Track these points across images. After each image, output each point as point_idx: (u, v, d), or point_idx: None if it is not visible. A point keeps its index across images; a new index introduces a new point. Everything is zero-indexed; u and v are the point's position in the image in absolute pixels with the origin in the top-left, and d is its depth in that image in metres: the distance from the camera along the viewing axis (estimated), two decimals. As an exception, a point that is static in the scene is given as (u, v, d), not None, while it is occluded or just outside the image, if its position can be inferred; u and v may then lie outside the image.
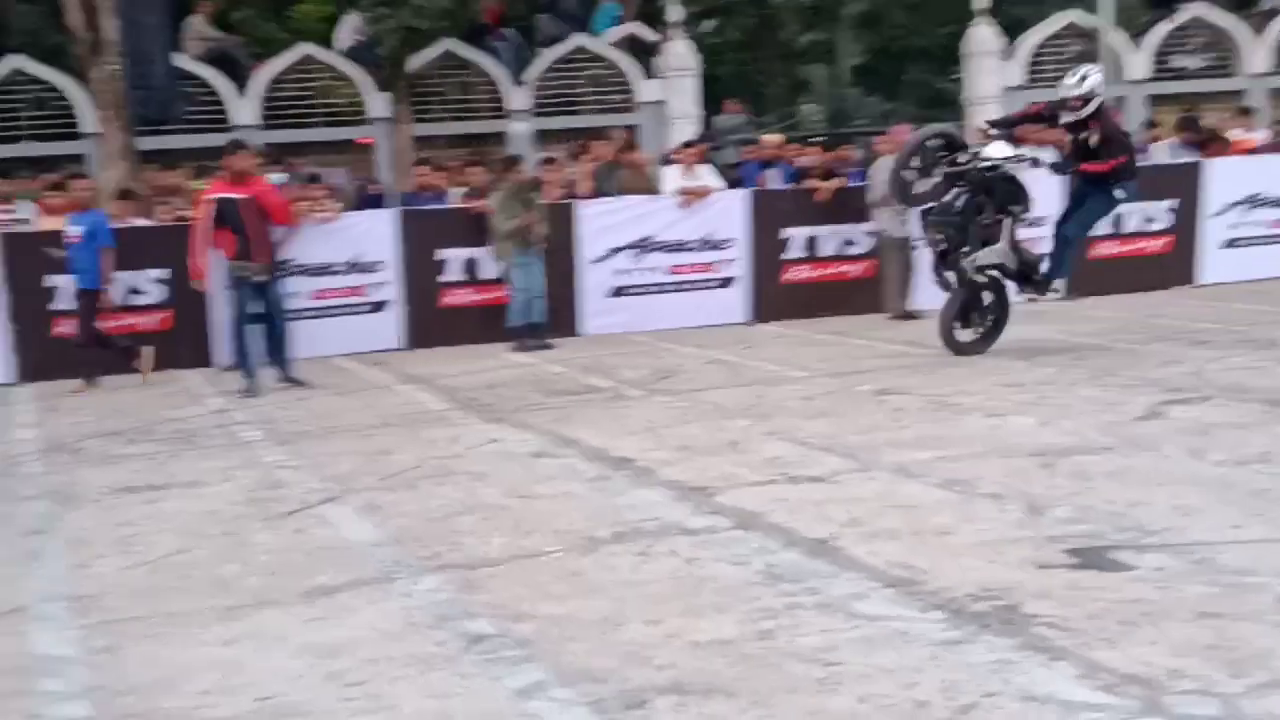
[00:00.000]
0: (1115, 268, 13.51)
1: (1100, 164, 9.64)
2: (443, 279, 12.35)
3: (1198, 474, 6.08)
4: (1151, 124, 15.94)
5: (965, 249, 9.67)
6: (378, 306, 12.26)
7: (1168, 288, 13.49)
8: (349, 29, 17.56)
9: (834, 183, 13.12)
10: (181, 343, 11.69)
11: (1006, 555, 4.99)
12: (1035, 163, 9.85)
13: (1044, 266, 10.11)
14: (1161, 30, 18.77)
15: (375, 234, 12.24)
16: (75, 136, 15.92)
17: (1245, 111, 16.32)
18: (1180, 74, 18.83)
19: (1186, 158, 14.36)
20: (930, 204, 9.92)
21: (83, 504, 6.79)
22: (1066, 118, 9.74)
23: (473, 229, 12.20)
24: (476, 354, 11.52)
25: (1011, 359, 9.81)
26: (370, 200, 13.49)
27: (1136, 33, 19.27)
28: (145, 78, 14.51)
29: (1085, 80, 9.64)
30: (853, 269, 13.20)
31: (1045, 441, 6.94)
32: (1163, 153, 14.52)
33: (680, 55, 17.80)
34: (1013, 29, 20.14)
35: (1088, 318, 11.89)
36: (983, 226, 9.71)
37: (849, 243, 13.17)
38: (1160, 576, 4.63)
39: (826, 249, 13.14)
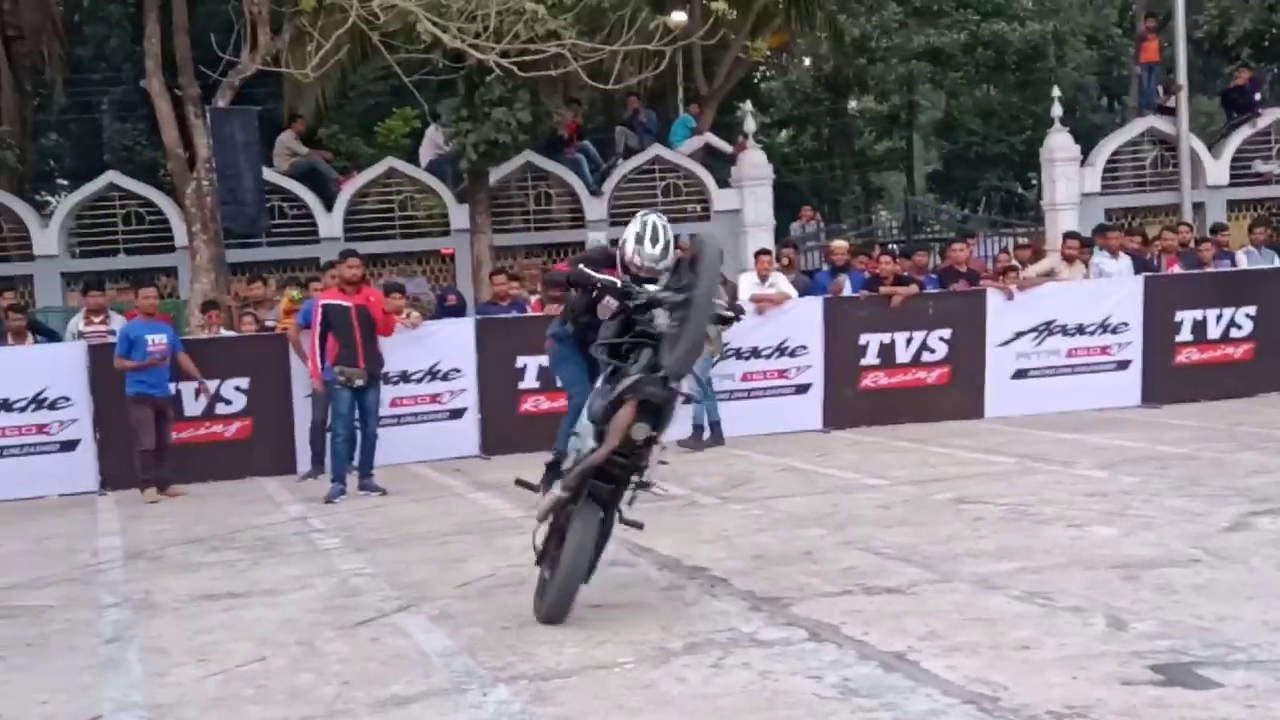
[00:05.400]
0: (1199, 375, 13.29)
1: None
2: (521, 386, 12.45)
3: (1288, 588, 5.90)
4: (1216, 229, 15.52)
5: None
6: (456, 414, 12.39)
7: (1253, 395, 13.21)
8: (431, 143, 18.03)
9: (909, 289, 13.09)
10: (262, 449, 11.89)
11: (1090, 671, 4.86)
12: None
13: None
14: (1241, 135, 18.66)
15: (454, 342, 12.41)
16: (168, 249, 16.42)
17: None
18: (1261, 179, 18.66)
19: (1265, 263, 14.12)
20: None
21: (162, 612, 6.87)
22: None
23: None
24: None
25: (1092, 468, 9.64)
26: (449, 310, 13.71)
27: (1215, 138, 19.20)
28: (235, 193, 14.97)
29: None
30: (929, 375, 13.11)
31: (1129, 553, 6.79)
32: (1242, 258, 14.29)
33: (755, 164, 18.02)
34: (1090, 135, 20.18)
35: (1171, 425, 11.67)
36: None
37: (926, 348, 13.09)
38: (1248, 695, 4.48)
39: (903, 355, 13.07)
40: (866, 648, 5.33)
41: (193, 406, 11.70)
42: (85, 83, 24.26)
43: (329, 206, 16.98)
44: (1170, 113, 18.33)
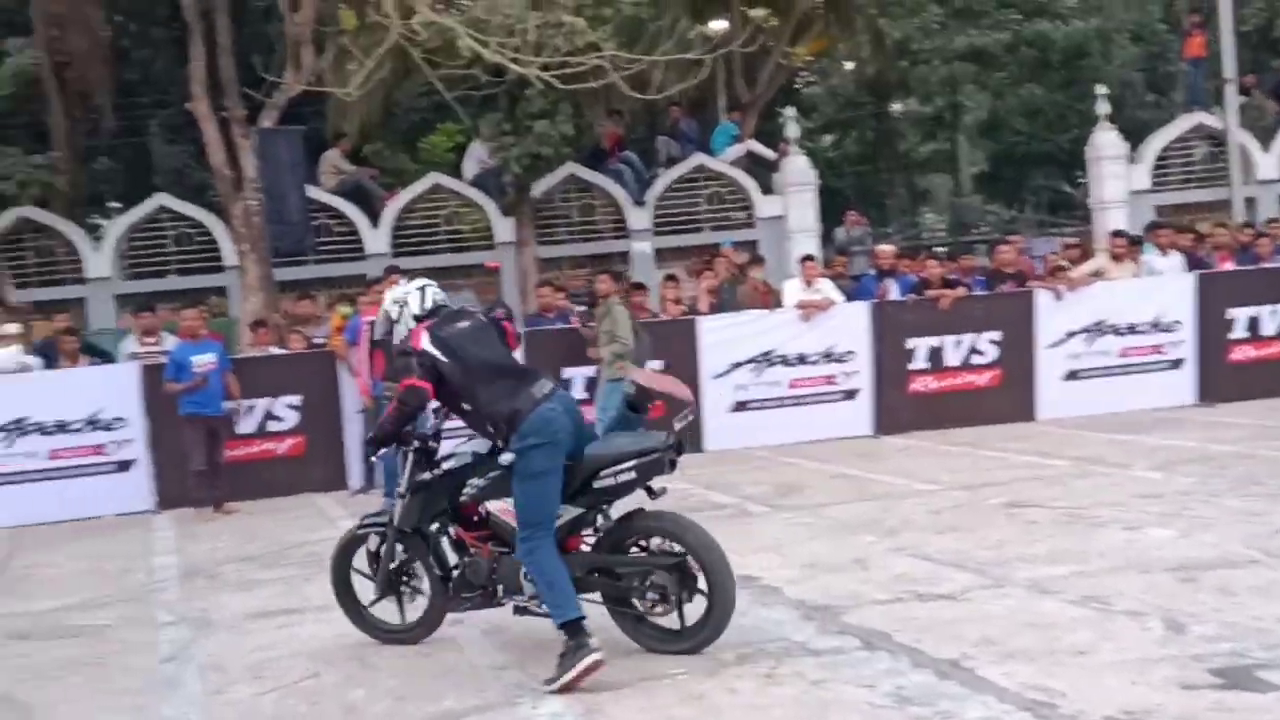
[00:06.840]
0: (1254, 372, 13.10)
1: None
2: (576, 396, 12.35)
3: (1351, 588, 5.81)
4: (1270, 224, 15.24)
5: None
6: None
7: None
8: (474, 158, 18.12)
9: (957, 292, 13.00)
10: (314, 466, 11.97)
11: (1148, 675, 4.80)
12: None
13: None
14: (1292, 127, 18.41)
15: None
16: (218, 269, 16.60)
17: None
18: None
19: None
20: None
21: (218, 630, 6.93)
22: None
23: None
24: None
25: (1148, 469, 9.52)
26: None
27: (1265, 133, 18.93)
28: (281, 212, 15.11)
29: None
30: (979, 378, 13.00)
31: (1186, 555, 6.70)
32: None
33: (799, 170, 17.96)
34: (1137, 132, 19.95)
35: (1226, 424, 11.51)
36: None
37: (975, 351, 13.00)
38: (1313, 698, 4.41)
39: (952, 359, 12.98)
40: (920, 655, 5.29)
41: (246, 424, 11.81)
42: (134, 107, 24.55)
43: (375, 223, 17.10)
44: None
